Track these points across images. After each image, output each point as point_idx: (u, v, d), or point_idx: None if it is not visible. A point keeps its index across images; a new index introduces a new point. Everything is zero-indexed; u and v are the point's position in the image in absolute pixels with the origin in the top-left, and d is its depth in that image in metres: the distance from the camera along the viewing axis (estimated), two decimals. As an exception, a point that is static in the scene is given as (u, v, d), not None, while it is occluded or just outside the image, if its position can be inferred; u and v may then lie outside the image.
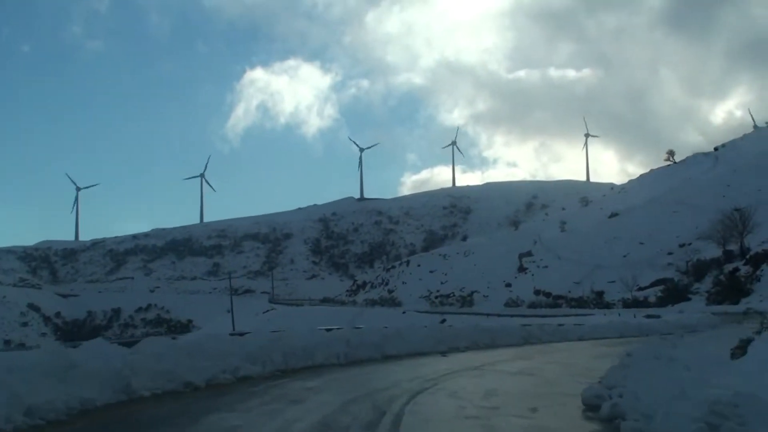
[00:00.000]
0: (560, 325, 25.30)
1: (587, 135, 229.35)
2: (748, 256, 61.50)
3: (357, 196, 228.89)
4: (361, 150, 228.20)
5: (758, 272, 56.09)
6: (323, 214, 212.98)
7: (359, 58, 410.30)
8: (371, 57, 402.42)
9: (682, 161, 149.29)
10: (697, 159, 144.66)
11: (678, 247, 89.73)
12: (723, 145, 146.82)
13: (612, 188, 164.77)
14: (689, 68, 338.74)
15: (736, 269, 60.02)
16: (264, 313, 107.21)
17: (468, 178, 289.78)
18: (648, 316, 40.48)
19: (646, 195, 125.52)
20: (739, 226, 68.09)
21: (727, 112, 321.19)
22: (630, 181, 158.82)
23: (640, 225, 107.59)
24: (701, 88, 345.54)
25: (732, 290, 55.20)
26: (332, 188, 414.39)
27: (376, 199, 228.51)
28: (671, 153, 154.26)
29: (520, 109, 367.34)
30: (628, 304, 69.96)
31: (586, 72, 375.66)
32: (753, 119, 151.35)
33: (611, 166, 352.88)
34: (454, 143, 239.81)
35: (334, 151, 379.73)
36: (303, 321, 70.91)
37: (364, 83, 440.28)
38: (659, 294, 67.84)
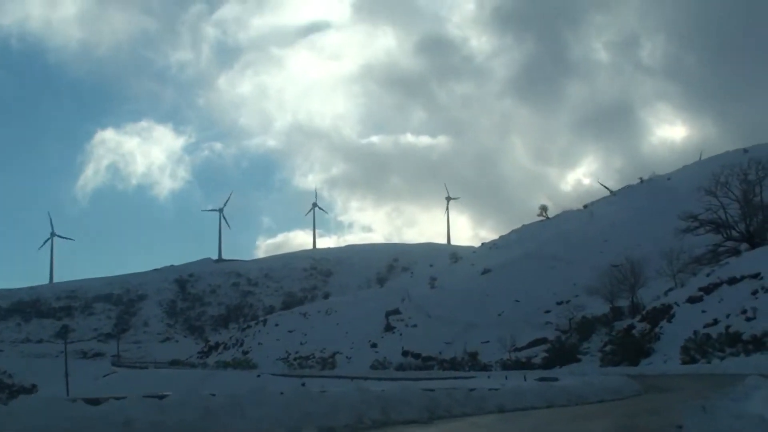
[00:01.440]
0: (472, 390, 19.67)
1: (449, 198, 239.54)
2: (644, 312, 59.78)
3: (215, 257, 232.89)
4: (220, 210, 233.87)
5: (657, 330, 54.07)
6: (180, 275, 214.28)
7: (213, 120, 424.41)
8: (225, 119, 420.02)
9: (555, 216, 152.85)
10: (571, 215, 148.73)
11: (556, 305, 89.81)
12: (591, 204, 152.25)
13: (482, 244, 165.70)
14: (538, 137, 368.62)
15: (632, 327, 57.96)
16: (104, 377, 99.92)
17: (324, 242, 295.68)
18: (542, 379, 37.70)
19: (520, 250, 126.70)
20: (630, 279, 66.97)
21: (575, 180, 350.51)
22: (501, 237, 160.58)
23: (515, 281, 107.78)
24: (550, 157, 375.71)
25: (629, 350, 52.65)
26: (189, 249, 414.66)
27: (235, 261, 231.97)
28: (544, 208, 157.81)
29: (374, 174, 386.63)
30: (507, 365, 67.52)
31: (441, 139, 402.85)
32: (607, 188, 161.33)
33: (465, 231, 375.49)
34: (315, 205, 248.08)
35: (189, 213, 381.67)
36: (143, 385, 63.01)
37: (218, 146, 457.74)
38: (544, 354, 65.00)
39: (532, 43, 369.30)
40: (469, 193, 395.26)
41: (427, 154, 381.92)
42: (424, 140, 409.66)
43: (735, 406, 10.67)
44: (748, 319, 44.83)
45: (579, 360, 60.69)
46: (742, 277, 51.57)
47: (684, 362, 45.39)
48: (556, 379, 37.57)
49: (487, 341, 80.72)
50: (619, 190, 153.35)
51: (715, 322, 48.68)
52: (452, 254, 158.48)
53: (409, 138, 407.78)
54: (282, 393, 13.71)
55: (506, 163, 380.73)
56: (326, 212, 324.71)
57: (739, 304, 47.97)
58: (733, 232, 65.88)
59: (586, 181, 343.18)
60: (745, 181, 65.42)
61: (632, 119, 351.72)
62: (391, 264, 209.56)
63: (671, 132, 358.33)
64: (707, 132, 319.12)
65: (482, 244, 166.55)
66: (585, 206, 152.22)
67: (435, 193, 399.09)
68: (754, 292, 48.42)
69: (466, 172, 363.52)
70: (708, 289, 54.02)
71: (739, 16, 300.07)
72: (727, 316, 48.15)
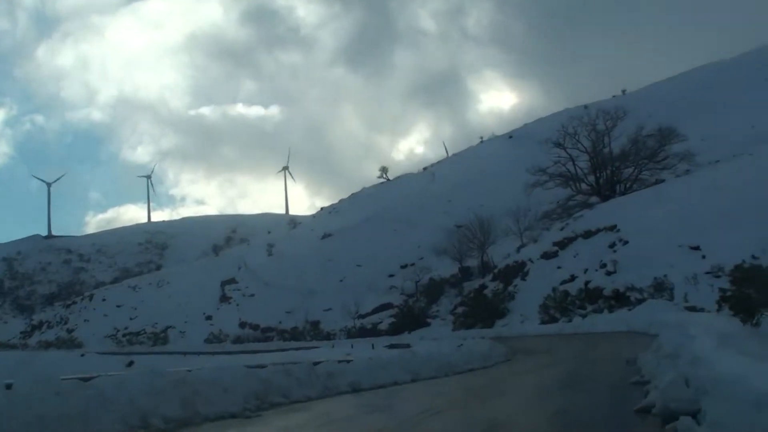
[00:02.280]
0: (316, 364, 15.09)
1: (286, 168, 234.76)
2: (495, 271, 58.06)
3: (44, 233, 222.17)
4: (49, 184, 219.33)
5: (511, 289, 52.29)
6: (7, 253, 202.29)
7: (33, 93, 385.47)
8: (45, 91, 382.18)
9: (396, 178, 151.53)
10: (411, 177, 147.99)
11: (400, 268, 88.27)
12: (431, 166, 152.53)
13: (321, 209, 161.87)
14: (370, 106, 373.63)
15: (483, 286, 56.01)
16: None
17: (158, 216, 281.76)
18: (393, 346, 35.02)
19: (361, 214, 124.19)
20: (480, 237, 65.22)
21: (408, 149, 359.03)
22: (341, 201, 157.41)
23: (357, 246, 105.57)
24: (382, 125, 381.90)
25: (483, 311, 50.49)
26: (16, 227, 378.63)
27: (65, 237, 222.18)
28: (384, 170, 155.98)
29: (205, 145, 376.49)
30: (352, 333, 65.13)
31: (273, 109, 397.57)
32: (446, 149, 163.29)
33: (303, 200, 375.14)
34: (149, 177, 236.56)
35: (12, 189, 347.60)
36: None
37: (40, 119, 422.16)
38: (391, 320, 62.17)
39: (359, 12, 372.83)
40: (304, 163, 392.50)
41: (259, 125, 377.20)
42: (256, 110, 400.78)
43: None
44: (609, 274, 43.53)
45: (428, 324, 58.38)
46: (598, 230, 50.60)
47: (543, 321, 43.59)
48: (408, 346, 34.77)
49: (330, 309, 78.59)
50: (463, 151, 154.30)
51: (573, 278, 47.32)
52: (291, 221, 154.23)
53: (241, 108, 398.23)
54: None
55: (339, 131, 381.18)
56: (154, 190, 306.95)
57: (597, 257, 46.78)
58: (583, 185, 65.72)
59: (419, 150, 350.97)
60: (594, 131, 65.18)
61: (461, 87, 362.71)
62: (229, 236, 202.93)
63: (499, 99, 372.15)
64: (534, 98, 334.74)
65: (321, 209, 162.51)
66: (425, 168, 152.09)
67: (269, 163, 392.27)
68: (612, 245, 47.43)
69: (300, 142, 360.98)
70: (563, 244, 52.84)
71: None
72: (585, 271, 46.85)
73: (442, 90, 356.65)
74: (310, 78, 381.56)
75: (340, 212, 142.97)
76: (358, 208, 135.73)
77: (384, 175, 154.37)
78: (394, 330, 59.69)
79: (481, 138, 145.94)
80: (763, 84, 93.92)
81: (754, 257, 37.22)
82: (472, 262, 67.44)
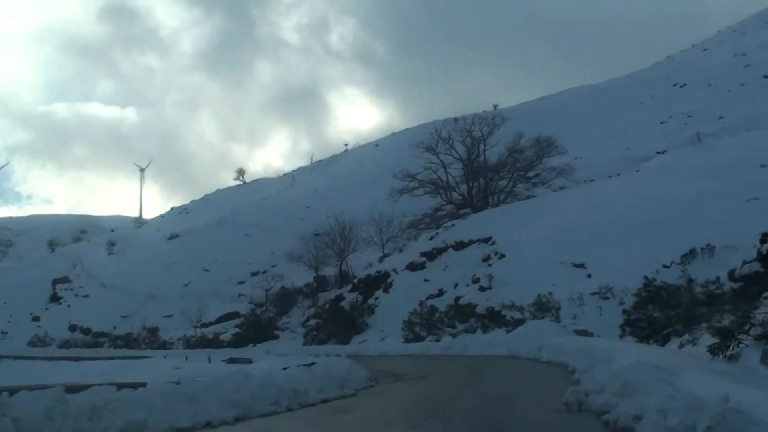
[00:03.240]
0: (73, 390, 9.03)
1: (142, 170, 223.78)
2: (355, 281, 52.81)
3: None
4: None
5: (371, 301, 47.14)
6: None
7: None
8: None
9: (254, 181, 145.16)
10: (270, 181, 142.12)
11: (251, 276, 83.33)
12: (292, 171, 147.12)
13: (172, 209, 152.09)
14: (227, 114, 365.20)
15: (340, 297, 50.58)
16: None
17: (2, 213, 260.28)
18: (232, 361, 30.56)
19: (213, 216, 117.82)
20: (339, 244, 59.84)
21: (265, 160, 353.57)
22: (193, 202, 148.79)
23: (205, 249, 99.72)
24: (239, 134, 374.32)
25: (338, 324, 45.01)
26: None
27: None
28: (241, 172, 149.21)
29: (56, 143, 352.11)
30: (192, 343, 58.87)
31: (130, 110, 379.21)
32: (311, 157, 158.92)
33: (157, 205, 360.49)
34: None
35: None
36: None
37: None
38: (237, 331, 55.75)
39: (220, 18, 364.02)
40: (160, 167, 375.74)
41: (114, 125, 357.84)
42: (113, 111, 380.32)
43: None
44: (482, 289, 39.14)
45: (277, 337, 52.51)
46: (471, 242, 46.42)
47: (407, 340, 38.55)
48: (249, 361, 29.67)
49: (171, 315, 72.07)
50: (327, 158, 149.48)
51: (441, 292, 42.73)
52: (137, 219, 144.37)
53: (96, 107, 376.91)
54: None
55: (196, 137, 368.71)
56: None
57: (470, 271, 42.43)
58: (455, 195, 61.81)
59: (277, 163, 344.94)
60: (469, 137, 61.50)
61: (321, 102, 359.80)
62: (78, 236, 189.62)
63: (360, 116, 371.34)
64: (393, 117, 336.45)
65: (171, 209, 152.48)
66: (285, 174, 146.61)
67: (122, 164, 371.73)
68: (486, 259, 43.25)
69: (156, 145, 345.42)
70: (431, 255, 48.27)
71: (424, 6, 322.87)
72: (456, 285, 42.39)
73: (303, 103, 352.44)
74: (169, 82, 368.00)
75: (191, 213, 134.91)
76: (210, 209, 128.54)
77: (240, 178, 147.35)
78: (238, 342, 53.67)
79: (346, 145, 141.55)
80: (636, 108, 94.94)
81: (647, 279, 33.92)
82: (330, 272, 62.06)
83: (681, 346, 21.10)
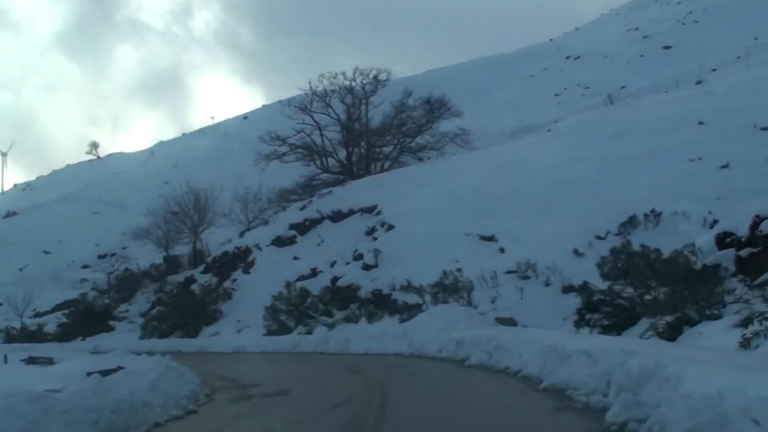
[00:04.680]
0: None
1: (4, 154, 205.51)
2: (209, 260, 44.00)
3: None
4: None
5: (228, 284, 38.54)
6: None
7: None
8: None
9: (108, 156, 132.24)
10: (127, 156, 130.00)
11: (98, 258, 72.90)
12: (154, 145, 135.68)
13: (15, 185, 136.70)
14: (88, 99, 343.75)
15: (191, 280, 41.70)
16: None
17: None
18: (32, 360, 23.47)
19: (58, 192, 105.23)
20: (193, 218, 50.42)
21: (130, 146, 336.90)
22: (39, 178, 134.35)
23: (46, 228, 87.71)
24: (100, 120, 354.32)
25: (186, 314, 36.13)
26: None
27: None
28: (94, 145, 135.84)
29: None
30: (13, 336, 48.66)
31: None
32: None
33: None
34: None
35: None
36: None
37: None
38: (64, 321, 46.07)
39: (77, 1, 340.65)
40: (20, 153, 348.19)
41: None
42: None
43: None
44: (367, 268, 31.22)
45: (112, 328, 43.22)
46: (352, 212, 38.64)
47: (270, 331, 30.14)
48: (51, 361, 22.43)
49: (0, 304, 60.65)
50: (191, 133, 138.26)
51: (315, 272, 34.78)
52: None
53: None
54: None
55: (55, 121, 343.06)
56: None
57: (351, 246, 34.59)
58: (332, 162, 53.51)
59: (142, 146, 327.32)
60: (350, 94, 53.36)
61: (186, 88, 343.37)
62: None
63: (227, 103, 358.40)
64: (258, 105, 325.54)
65: (14, 185, 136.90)
66: (144, 150, 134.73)
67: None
68: (371, 231, 35.50)
69: (15, 130, 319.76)
70: (303, 227, 40.15)
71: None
72: (333, 263, 34.49)
73: (167, 89, 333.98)
74: (26, 65, 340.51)
75: (36, 190, 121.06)
76: (57, 186, 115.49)
77: (93, 152, 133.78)
78: (65, 334, 44.55)
79: (212, 118, 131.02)
80: (527, 80, 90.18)
81: (576, 252, 27.05)
82: (183, 251, 52.76)
83: (643, 335, 14.14)
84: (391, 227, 33.99)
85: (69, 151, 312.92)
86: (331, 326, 27.39)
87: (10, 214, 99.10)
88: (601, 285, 17.86)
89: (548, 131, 44.61)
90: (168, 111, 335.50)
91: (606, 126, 39.47)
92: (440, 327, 20.02)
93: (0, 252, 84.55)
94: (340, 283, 30.83)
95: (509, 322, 20.64)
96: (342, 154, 53.43)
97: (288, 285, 30.91)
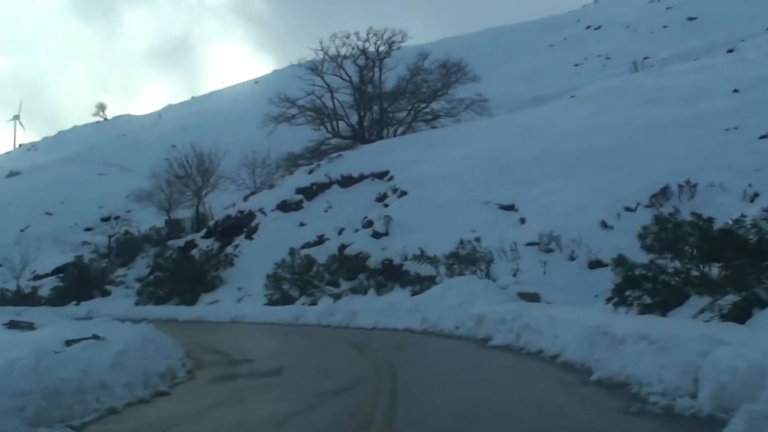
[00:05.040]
0: None
1: (17, 117, 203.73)
2: (211, 224, 42.17)
3: None
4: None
5: (230, 250, 36.79)
6: None
7: None
8: None
9: (116, 118, 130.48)
10: (135, 118, 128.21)
11: (101, 221, 71.46)
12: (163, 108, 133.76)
13: (20, 146, 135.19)
14: (100, 64, 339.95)
15: (192, 244, 39.95)
16: None
17: None
18: (13, 324, 21.29)
19: (62, 153, 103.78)
20: (196, 180, 48.46)
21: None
22: (45, 139, 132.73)
23: (49, 189, 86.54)
24: (113, 87, 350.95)
25: (184, 280, 34.28)
26: None
27: None
28: (101, 106, 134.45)
29: None
30: (7, 299, 46.86)
31: None
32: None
33: None
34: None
35: None
36: None
37: None
38: (58, 284, 44.59)
39: None
40: (32, 117, 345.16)
41: None
42: None
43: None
44: (377, 236, 29.32)
45: (109, 293, 41.79)
46: (363, 177, 36.67)
47: (272, 301, 28.38)
48: (31, 326, 20.81)
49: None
50: (201, 96, 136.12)
51: (322, 239, 32.93)
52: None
53: None
54: None
55: (67, 87, 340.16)
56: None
57: (360, 213, 32.61)
58: (342, 126, 51.38)
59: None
60: (363, 55, 51.04)
61: (198, 56, 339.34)
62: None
63: (236, 72, 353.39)
64: (269, 70, 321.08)
65: (19, 145, 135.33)
66: (152, 113, 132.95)
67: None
68: (382, 198, 33.58)
69: (24, 94, 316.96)
70: (310, 192, 38.23)
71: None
72: (341, 231, 32.60)
73: (179, 56, 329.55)
74: (38, 29, 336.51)
75: (41, 150, 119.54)
76: (63, 147, 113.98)
77: (101, 114, 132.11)
78: (58, 298, 43.05)
79: (223, 82, 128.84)
80: (546, 50, 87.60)
81: (604, 224, 25.07)
82: (187, 215, 50.98)
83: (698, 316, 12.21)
84: (403, 193, 32.03)
85: (78, 114, 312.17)
86: (337, 297, 25.57)
87: (12, 174, 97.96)
88: (637, 259, 16.01)
89: (572, 97, 42.35)
90: (178, 77, 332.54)
91: (633, 93, 37.18)
92: (457, 301, 18.16)
93: (1, 212, 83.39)
94: (347, 251, 28.95)
95: (533, 297, 18.70)
96: (353, 118, 51.28)
97: (292, 252, 28.98)
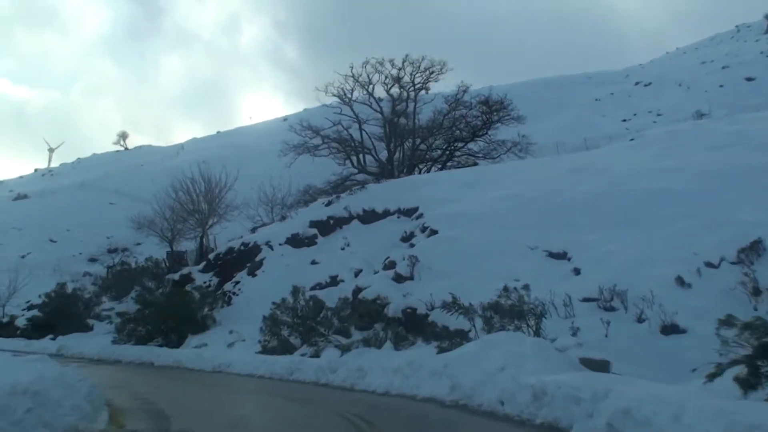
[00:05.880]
0: None
1: (51, 150, 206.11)
2: (211, 257, 38.21)
3: None
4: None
5: (229, 287, 32.74)
6: None
7: None
8: None
9: (137, 148, 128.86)
10: (157, 149, 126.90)
11: (107, 252, 69.05)
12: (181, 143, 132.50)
13: (36, 170, 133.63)
14: (131, 104, 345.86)
15: (188, 278, 36.03)
16: None
17: None
18: None
19: (77, 179, 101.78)
20: (203, 210, 44.62)
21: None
22: (63, 165, 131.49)
23: (58, 215, 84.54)
24: (143, 128, 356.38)
25: (173, 318, 30.01)
26: None
27: None
28: (123, 135, 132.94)
29: None
30: None
31: (36, 91, 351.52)
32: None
33: None
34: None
35: None
36: None
37: None
38: (36, 315, 41.10)
39: (124, 4, 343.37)
40: (64, 152, 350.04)
41: (20, 105, 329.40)
42: (19, 90, 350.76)
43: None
44: (400, 279, 25.09)
45: (90, 328, 38.24)
46: (388, 213, 32.57)
47: (266, 348, 24.03)
48: None
49: None
50: (230, 130, 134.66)
51: (336, 280, 28.83)
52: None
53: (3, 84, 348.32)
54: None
55: (97, 122, 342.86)
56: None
57: (382, 253, 28.46)
58: (369, 160, 47.34)
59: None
60: (397, 84, 47.18)
61: (231, 101, 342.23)
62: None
63: (264, 111, 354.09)
64: (299, 109, 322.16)
65: (35, 170, 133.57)
66: (175, 145, 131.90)
67: (24, 146, 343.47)
68: (408, 237, 29.46)
69: (58, 128, 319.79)
70: (326, 227, 34.20)
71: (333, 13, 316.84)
72: (359, 272, 28.49)
73: (210, 100, 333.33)
74: (72, 63, 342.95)
75: (57, 176, 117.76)
76: (78, 174, 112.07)
77: (122, 142, 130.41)
78: (34, 330, 39.70)
79: (251, 117, 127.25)
80: (592, 104, 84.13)
81: (681, 281, 20.59)
82: (190, 246, 47.21)
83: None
84: (433, 232, 27.74)
85: (104, 146, 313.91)
86: (344, 349, 21.22)
87: (20, 197, 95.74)
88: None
89: (631, 140, 38.04)
90: (208, 115, 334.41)
91: (704, 137, 32.79)
92: (498, 364, 13.82)
93: (2, 236, 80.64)
94: (363, 294, 24.60)
95: (601, 366, 14.29)
96: (383, 154, 47.24)
97: (295, 291, 24.67)
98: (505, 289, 18.29)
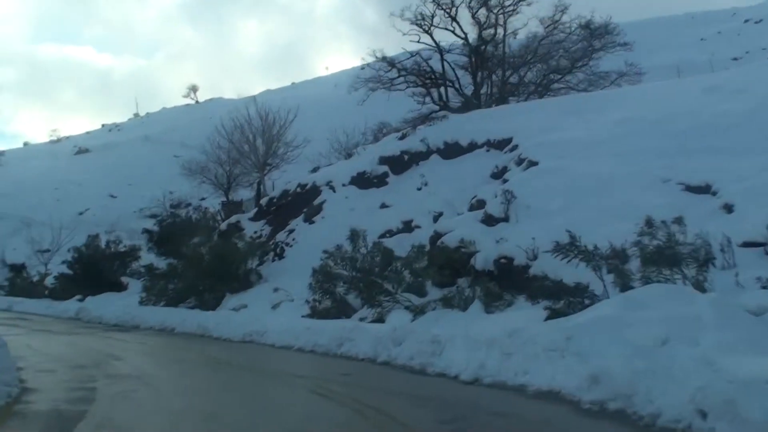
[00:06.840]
0: None
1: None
2: (263, 203, 34.23)
3: None
4: None
5: (282, 237, 28.47)
6: None
7: None
8: None
9: (207, 101, 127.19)
10: (228, 102, 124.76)
11: (170, 208, 66.36)
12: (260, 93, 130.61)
13: (102, 126, 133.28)
14: (212, 69, 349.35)
15: (235, 229, 31.96)
16: None
17: None
18: None
19: (142, 133, 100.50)
20: (260, 153, 40.26)
21: None
22: (131, 119, 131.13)
23: (118, 169, 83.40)
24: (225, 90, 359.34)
25: (210, 275, 25.72)
26: None
27: None
28: (193, 88, 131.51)
29: (45, 85, 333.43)
30: (17, 287, 46.31)
31: (120, 58, 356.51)
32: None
33: None
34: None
35: None
36: None
37: None
38: (66, 273, 38.26)
39: None
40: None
41: (106, 72, 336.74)
42: (105, 58, 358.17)
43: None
44: (491, 221, 19.90)
45: (123, 286, 35.22)
46: (475, 145, 27.47)
47: (315, 311, 19.32)
48: None
49: (47, 250, 55.30)
50: (304, 81, 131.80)
51: (410, 226, 24.12)
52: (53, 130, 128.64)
53: (87, 52, 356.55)
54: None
55: (180, 89, 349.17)
56: None
57: (468, 191, 23.50)
58: (453, 94, 41.89)
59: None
60: (484, 6, 41.40)
61: (309, 64, 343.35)
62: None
63: (345, 69, 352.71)
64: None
65: (102, 125, 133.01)
66: (247, 97, 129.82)
67: (113, 112, 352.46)
68: (501, 172, 24.33)
69: (141, 96, 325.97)
70: (399, 164, 29.30)
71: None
72: (438, 216, 23.63)
73: (288, 60, 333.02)
74: (152, 32, 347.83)
75: (123, 130, 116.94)
76: (144, 126, 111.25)
77: (192, 96, 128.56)
78: (63, 290, 37.23)
79: (327, 68, 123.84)
80: (696, 44, 77.37)
81: None
82: (249, 195, 43.40)
83: None
84: (532, 164, 22.42)
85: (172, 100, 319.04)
86: (417, 311, 16.41)
87: (81, 151, 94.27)
88: None
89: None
90: (282, 72, 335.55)
91: None
92: (657, 335, 8.81)
93: (62, 193, 79.12)
94: (443, 241, 19.59)
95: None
96: (467, 88, 41.66)
97: (354, 235, 19.83)
98: (649, 222, 12.99)
